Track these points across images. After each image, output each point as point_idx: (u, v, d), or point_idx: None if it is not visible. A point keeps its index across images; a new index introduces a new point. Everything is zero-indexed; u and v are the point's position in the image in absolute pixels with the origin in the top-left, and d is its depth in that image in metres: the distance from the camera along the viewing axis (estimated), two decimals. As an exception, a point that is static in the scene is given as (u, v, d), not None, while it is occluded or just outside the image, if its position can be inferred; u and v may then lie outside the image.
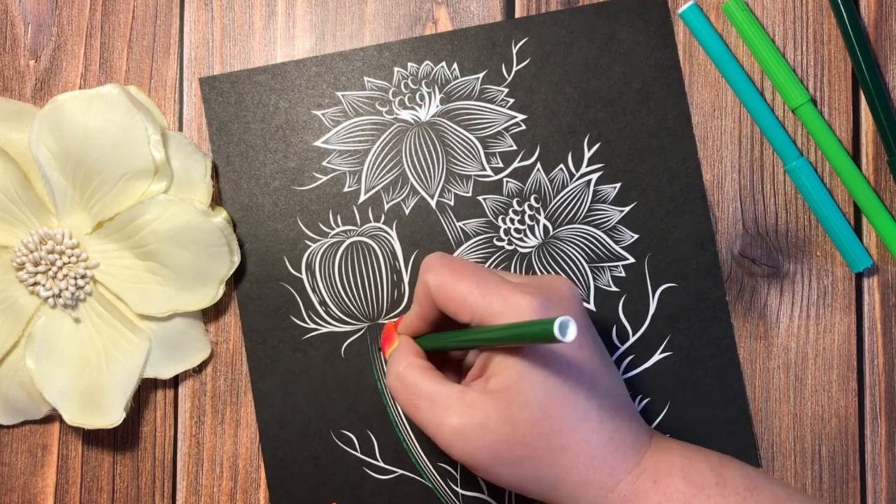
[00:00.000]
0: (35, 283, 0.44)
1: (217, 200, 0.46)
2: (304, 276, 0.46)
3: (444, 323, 0.40)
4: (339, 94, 0.46)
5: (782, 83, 0.45)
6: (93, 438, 0.46)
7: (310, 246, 0.46)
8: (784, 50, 0.46)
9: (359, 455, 0.45)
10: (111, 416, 0.44)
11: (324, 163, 0.46)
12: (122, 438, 0.46)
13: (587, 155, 0.45)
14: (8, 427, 0.47)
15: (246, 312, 0.46)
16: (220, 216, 0.44)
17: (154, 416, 0.46)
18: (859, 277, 0.46)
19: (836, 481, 0.45)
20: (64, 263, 0.44)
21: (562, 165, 0.46)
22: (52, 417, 0.47)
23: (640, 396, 0.45)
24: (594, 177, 0.45)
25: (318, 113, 0.46)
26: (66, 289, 0.44)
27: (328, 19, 0.47)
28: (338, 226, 0.46)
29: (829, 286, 0.45)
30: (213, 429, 0.46)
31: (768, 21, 0.46)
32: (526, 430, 0.36)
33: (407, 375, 0.38)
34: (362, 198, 0.45)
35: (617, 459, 0.37)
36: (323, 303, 0.46)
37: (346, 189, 0.46)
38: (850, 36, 0.44)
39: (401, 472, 0.45)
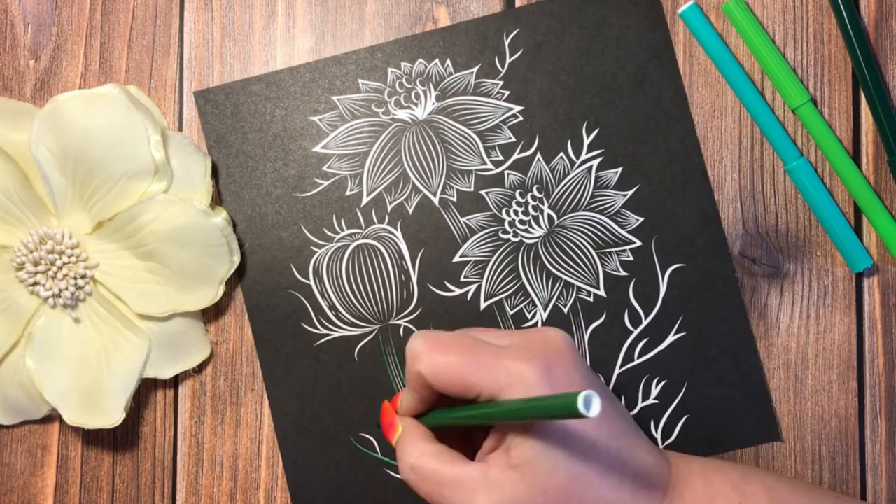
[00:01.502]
0: (35, 283, 0.44)
1: (217, 200, 0.46)
2: (312, 283, 0.46)
3: (442, 399, 0.39)
4: (334, 98, 0.46)
5: (782, 83, 0.45)
6: (92, 438, 0.46)
7: (316, 252, 0.46)
8: (784, 50, 0.46)
9: (379, 457, 0.45)
10: (111, 416, 0.44)
11: (324, 168, 0.46)
12: (122, 438, 0.46)
13: (586, 141, 0.46)
14: (8, 427, 0.47)
15: (256, 323, 0.46)
16: (220, 216, 0.44)
17: (154, 416, 0.46)
18: (859, 277, 0.46)
19: (836, 481, 0.45)
20: (64, 263, 0.44)
21: (562, 154, 0.46)
22: (52, 417, 0.46)
23: (657, 379, 0.45)
24: (595, 163, 0.46)
25: (315, 119, 0.46)
26: (66, 289, 0.44)
27: (328, 19, 0.47)
28: (342, 230, 0.45)
29: (829, 286, 0.45)
30: (213, 429, 0.46)
31: (768, 21, 0.46)
32: (557, 496, 0.35)
33: (424, 465, 0.37)
34: (365, 200, 0.45)
35: (644, 496, 0.37)
36: (333, 307, 0.46)
37: (348, 192, 0.46)
38: (850, 36, 0.44)
39: None
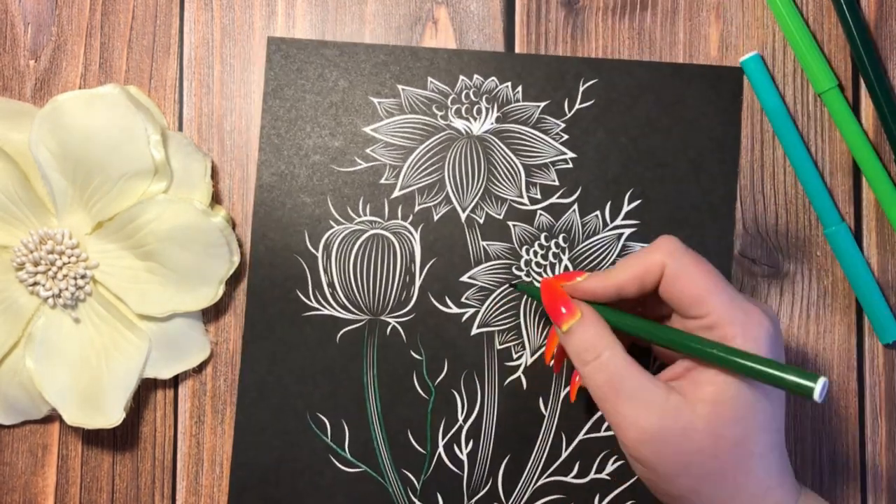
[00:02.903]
0: (35, 283, 0.44)
1: (216, 200, 0.46)
2: (319, 255, 0.46)
3: (624, 303, 0.39)
4: (400, 86, 0.46)
5: (810, 66, 0.44)
6: (93, 438, 0.46)
7: (333, 227, 0.46)
8: (785, 49, 0.46)
9: (328, 442, 0.45)
10: (111, 416, 0.44)
11: (367, 150, 0.46)
12: (122, 438, 0.46)
13: (625, 209, 0.45)
14: (8, 427, 0.47)
15: (255, 275, 0.46)
16: (220, 216, 0.44)
17: (154, 416, 0.46)
18: (859, 277, 0.46)
19: (837, 481, 0.45)
20: (64, 263, 0.44)
21: (598, 212, 0.45)
22: (53, 417, 0.47)
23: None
24: (627, 232, 0.45)
25: (375, 100, 0.46)
26: (66, 289, 0.44)
27: (328, 19, 0.47)
28: (365, 215, 0.45)
29: (829, 286, 0.45)
30: (213, 429, 0.46)
31: (768, 21, 0.46)
32: (728, 447, 0.35)
33: (612, 364, 0.36)
34: (396, 193, 0.45)
35: (783, 494, 0.36)
36: (331, 285, 0.46)
37: (382, 181, 0.45)
38: (853, 36, 0.44)
39: (365, 468, 0.45)
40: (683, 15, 0.46)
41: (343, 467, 0.45)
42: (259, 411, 0.45)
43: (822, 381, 0.32)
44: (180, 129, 0.46)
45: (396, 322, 0.45)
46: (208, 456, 0.46)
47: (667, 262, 0.37)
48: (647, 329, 0.37)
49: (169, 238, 0.43)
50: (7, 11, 0.47)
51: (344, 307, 0.46)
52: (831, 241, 0.45)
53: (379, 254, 0.45)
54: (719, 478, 0.35)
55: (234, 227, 0.45)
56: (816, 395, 0.32)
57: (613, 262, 0.45)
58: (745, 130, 0.46)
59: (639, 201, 0.45)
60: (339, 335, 0.46)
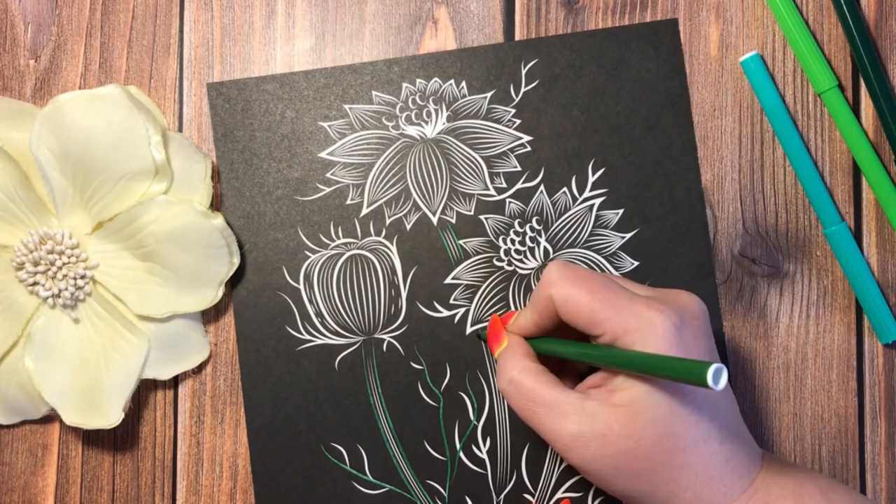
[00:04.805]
0: (34, 283, 0.44)
1: (216, 206, 0.46)
2: (301, 287, 0.46)
3: (557, 329, 0.40)
4: (346, 106, 0.46)
5: (810, 66, 0.44)
6: (93, 438, 0.46)
7: (309, 257, 0.46)
8: (784, 49, 0.46)
9: (348, 469, 0.45)
10: (110, 416, 0.44)
11: (327, 174, 0.46)
12: (122, 438, 0.46)
13: (591, 179, 0.45)
14: (8, 427, 0.47)
15: (241, 320, 0.46)
16: (220, 217, 0.44)
17: (154, 417, 0.46)
18: (859, 277, 0.46)
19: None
20: (63, 263, 0.44)
21: (565, 189, 0.45)
22: (53, 417, 0.47)
23: None
24: (597, 202, 0.45)
25: (325, 124, 0.46)
26: (66, 289, 0.44)
27: (328, 19, 0.47)
28: (338, 238, 0.45)
29: (829, 286, 0.45)
30: (212, 429, 0.46)
31: (768, 21, 0.46)
32: (649, 446, 0.36)
33: (523, 381, 0.38)
34: (364, 211, 0.45)
35: (733, 480, 0.37)
36: (319, 314, 0.46)
37: (348, 202, 0.45)
38: (853, 36, 0.44)
39: (389, 487, 0.45)
40: (683, 15, 0.46)
41: (368, 491, 0.45)
42: (273, 454, 0.45)
43: (713, 367, 0.31)
44: (180, 129, 0.46)
45: (391, 337, 0.45)
46: (208, 456, 0.46)
47: (552, 294, 0.38)
48: (565, 350, 0.39)
49: (169, 239, 0.43)
50: (7, 11, 0.47)
51: (336, 333, 0.46)
52: (831, 241, 0.45)
53: (360, 274, 0.45)
54: (653, 475, 0.36)
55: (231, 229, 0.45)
56: (710, 382, 0.31)
57: (591, 235, 0.45)
58: (746, 130, 0.46)
59: (602, 170, 0.45)
60: (336, 362, 0.46)
